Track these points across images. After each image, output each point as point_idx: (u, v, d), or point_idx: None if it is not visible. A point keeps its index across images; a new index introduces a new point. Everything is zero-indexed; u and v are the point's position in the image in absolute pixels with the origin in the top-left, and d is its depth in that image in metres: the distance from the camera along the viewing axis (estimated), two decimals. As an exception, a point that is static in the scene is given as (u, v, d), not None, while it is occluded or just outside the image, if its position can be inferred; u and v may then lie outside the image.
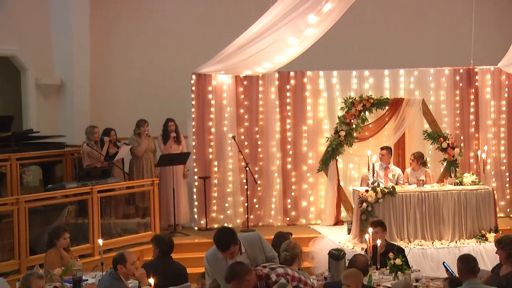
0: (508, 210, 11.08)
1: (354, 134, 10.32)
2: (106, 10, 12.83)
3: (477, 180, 9.68)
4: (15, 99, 12.42)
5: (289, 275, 5.31)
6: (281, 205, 10.84)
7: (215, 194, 10.66)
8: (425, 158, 10.28)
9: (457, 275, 5.83)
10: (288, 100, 10.82)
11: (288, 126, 10.83)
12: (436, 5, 13.24)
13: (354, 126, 10.28)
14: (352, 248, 8.79)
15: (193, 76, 10.50)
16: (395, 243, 7.88)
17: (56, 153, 10.75)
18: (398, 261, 6.83)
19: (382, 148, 10.16)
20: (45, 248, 7.26)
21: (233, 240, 5.37)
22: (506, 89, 11.04)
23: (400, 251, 7.14)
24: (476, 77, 10.99)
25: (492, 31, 12.78)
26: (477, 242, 9.21)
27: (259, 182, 10.68)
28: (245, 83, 10.74)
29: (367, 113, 10.39)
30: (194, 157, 10.53)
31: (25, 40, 11.90)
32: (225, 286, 5.53)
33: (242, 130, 10.74)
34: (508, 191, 11.10)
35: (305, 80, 10.85)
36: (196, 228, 10.55)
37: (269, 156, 10.80)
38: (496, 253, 6.37)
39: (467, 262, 5.64)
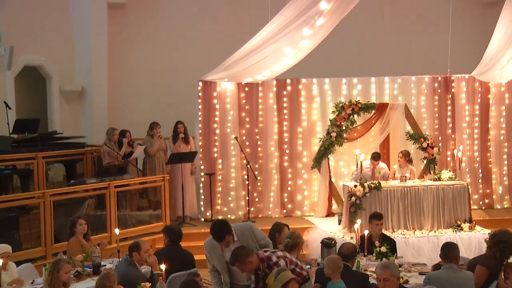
0: (480, 203, 11.07)
1: (344, 135, 10.31)
2: (122, 24, 12.85)
3: (454, 176, 9.67)
4: (41, 104, 12.44)
5: (288, 258, 5.31)
6: (278, 198, 10.83)
7: (220, 189, 10.65)
8: (410, 156, 10.27)
9: None
10: (285, 105, 10.81)
11: (285, 128, 10.82)
12: (417, 20, 13.23)
13: (344, 128, 10.27)
14: (342, 237, 8.78)
15: (200, 83, 10.49)
16: (387, 235, 7.84)
17: (77, 152, 10.76)
18: (383, 249, 6.84)
19: (374, 157, 10.06)
20: (67, 237, 7.26)
21: (227, 231, 5.38)
22: (479, 95, 11.04)
23: (387, 240, 7.15)
24: (453, 84, 10.98)
25: (467, 44, 12.78)
26: (453, 231, 9.19)
27: (259, 178, 10.67)
28: (246, 89, 10.73)
29: (355, 116, 10.37)
30: (201, 155, 10.52)
31: (50, 52, 11.94)
32: (222, 271, 5.51)
33: (243, 131, 10.72)
34: (481, 186, 11.09)
35: (300, 86, 10.84)
36: (203, 219, 10.53)
37: (268, 155, 10.78)
38: None
39: (445, 249, 5.66)
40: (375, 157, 10.08)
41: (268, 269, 5.17)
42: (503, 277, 5.65)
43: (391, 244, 7.11)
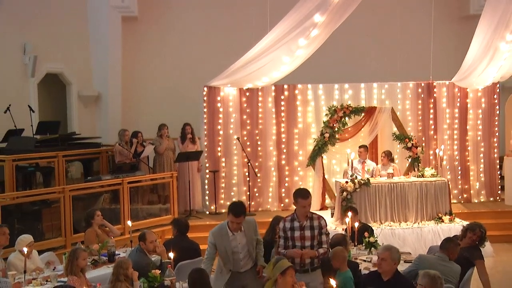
0: (460, 197, 11.06)
1: (336, 136, 10.30)
2: (135, 35, 12.86)
3: (435, 173, 9.67)
4: (61, 107, 12.44)
5: None
6: (276, 193, 10.82)
7: (223, 185, 10.63)
8: (392, 155, 10.27)
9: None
10: (282, 108, 10.79)
11: (282, 129, 10.80)
12: (402, 31, 13.18)
13: (336, 129, 10.27)
14: (335, 229, 8.78)
15: (205, 88, 10.48)
16: (367, 224, 7.88)
17: (94, 151, 10.73)
18: (372, 239, 6.82)
19: (360, 146, 10.13)
20: (84, 228, 7.25)
21: (244, 212, 5.38)
22: (458, 100, 11.03)
23: (366, 229, 7.18)
24: (435, 89, 10.97)
25: (447, 53, 12.76)
26: (435, 223, 9.20)
27: (258, 175, 10.66)
28: (247, 94, 10.71)
29: (347, 118, 10.37)
30: (206, 154, 10.50)
31: (69, 60, 11.97)
32: (225, 258, 5.44)
33: (244, 132, 10.71)
34: (460, 182, 11.07)
35: (296, 91, 10.83)
36: (207, 212, 10.53)
37: (267, 153, 10.77)
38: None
39: (444, 240, 5.72)
40: (365, 147, 10.11)
41: None
42: None
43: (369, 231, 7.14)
